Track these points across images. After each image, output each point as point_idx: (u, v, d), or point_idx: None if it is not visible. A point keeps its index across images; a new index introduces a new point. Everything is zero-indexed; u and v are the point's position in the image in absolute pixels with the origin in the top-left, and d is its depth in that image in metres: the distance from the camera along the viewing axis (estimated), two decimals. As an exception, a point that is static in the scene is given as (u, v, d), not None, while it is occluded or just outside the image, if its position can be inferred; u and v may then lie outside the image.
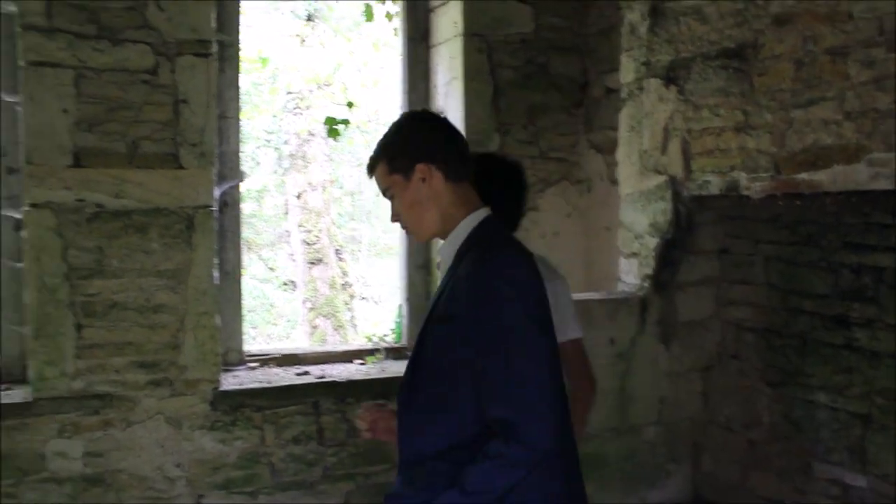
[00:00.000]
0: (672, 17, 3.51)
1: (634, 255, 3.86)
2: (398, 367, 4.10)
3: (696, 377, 4.12)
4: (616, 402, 3.88)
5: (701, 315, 4.07)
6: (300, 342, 8.99)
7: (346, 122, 4.64)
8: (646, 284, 3.86)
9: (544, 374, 1.94)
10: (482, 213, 2.14)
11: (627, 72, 3.80)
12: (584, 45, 4.32)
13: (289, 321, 10.16)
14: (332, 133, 4.55)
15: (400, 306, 4.35)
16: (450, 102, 4.09)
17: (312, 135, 8.60)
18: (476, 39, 4.01)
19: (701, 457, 4.13)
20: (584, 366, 2.82)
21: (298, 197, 8.67)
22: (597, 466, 3.80)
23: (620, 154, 3.87)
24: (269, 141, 9.45)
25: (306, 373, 3.90)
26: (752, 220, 3.85)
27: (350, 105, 4.77)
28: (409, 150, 2.11)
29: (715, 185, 3.42)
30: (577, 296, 3.48)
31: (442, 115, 2.29)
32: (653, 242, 3.74)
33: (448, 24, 4.09)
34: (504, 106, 4.08)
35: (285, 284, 10.18)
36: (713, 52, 3.38)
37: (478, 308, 1.96)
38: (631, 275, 3.89)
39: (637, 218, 3.79)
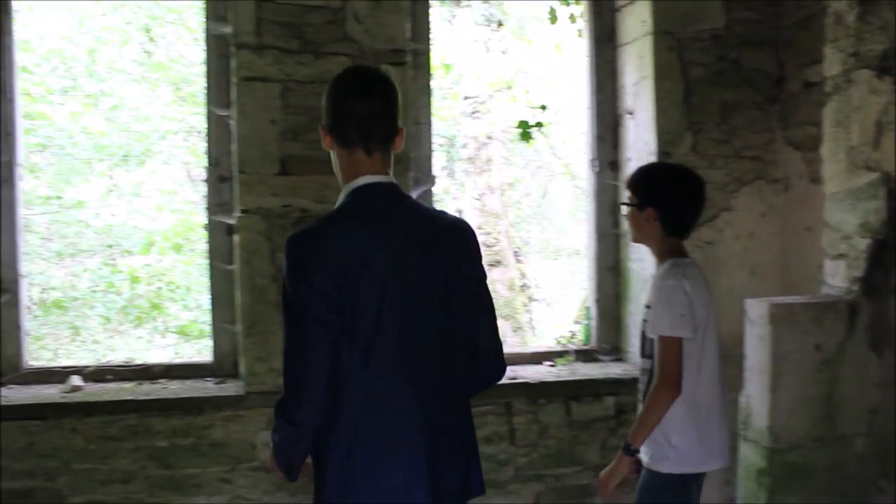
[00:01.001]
0: (885, 2, 3.29)
1: (842, 256, 3.63)
2: (588, 370, 4.08)
3: (910, 388, 3.84)
4: (822, 410, 3.66)
5: (916, 322, 3.78)
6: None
7: (539, 124, 4.65)
8: (855, 288, 3.62)
9: (308, 354, 2.03)
10: (363, 181, 2.15)
11: (833, 64, 3.58)
12: (780, 39, 4.12)
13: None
14: (525, 137, 4.56)
15: (588, 308, 4.31)
16: (639, 102, 4.02)
17: (490, 138, 8.72)
18: (666, 37, 3.92)
19: (915, 474, 3.84)
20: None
21: (478, 200, 8.81)
22: (801, 477, 3.61)
23: (825, 151, 3.65)
24: (444, 146, 9.65)
25: (497, 374, 3.94)
26: (976, 219, 3.54)
27: (543, 108, 4.76)
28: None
29: (934, 181, 3.18)
30: (778, 299, 3.34)
31: (347, 78, 2.22)
32: (863, 243, 3.50)
33: (636, 23, 4.03)
34: (695, 104, 3.96)
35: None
36: (933, 38, 3.14)
37: None
38: (838, 277, 3.66)
39: (845, 218, 3.57)
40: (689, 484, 2.86)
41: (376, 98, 2.17)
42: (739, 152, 4.02)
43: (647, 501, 2.87)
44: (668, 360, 2.73)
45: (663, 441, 2.80)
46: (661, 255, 2.91)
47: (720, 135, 3.99)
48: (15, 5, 3.71)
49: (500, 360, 2.32)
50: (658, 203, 2.83)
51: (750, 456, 3.30)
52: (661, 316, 2.77)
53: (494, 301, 2.34)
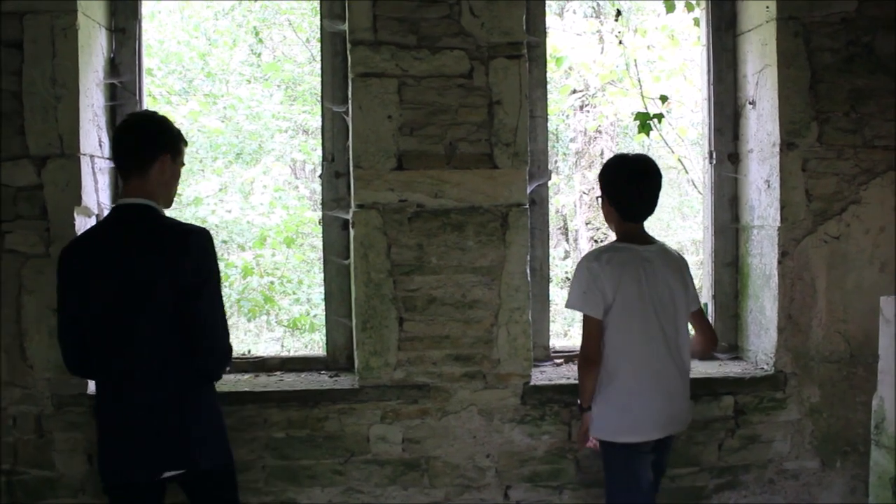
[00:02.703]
0: None
1: (984, 252, 3.42)
2: (705, 368, 3.95)
3: None
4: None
5: None
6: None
7: (659, 116, 4.53)
8: None
9: (62, 314, 2.84)
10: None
11: (976, 46, 3.37)
12: (918, 21, 3.89)
13: (564, 318, 10.24)
14: (644, 129, 4.45)
15: (705, 305, 4.18)
16: (762, 92, 3.87)
17: (599, 132, 8.60)
18: (791, 23, 3.75)
19: None
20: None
21: (587, 194, 8.70)
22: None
23: (966, 139, 3.45)
24: (550, 140, 9.59)
25: (610, 371, 3.89)
26: None
27: (664, 99, 4.64)
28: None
29: None
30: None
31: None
32: None
33: (759, 9, 3.87)
34: (822, 93, 3.77)
35: (569, 281, 10.26)
36: None
37: None
38: (979, 275, 3.46)
39: None
40: (623, 452, 3.13)
41: None
42: (870, 142, 3.81)
43: (602, 460, 3.26)
44: (584, 334, 3.12)
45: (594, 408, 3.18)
46: (616, 238, 3.22)
47: (849, 124, 3.80)
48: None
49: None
50: (608, 193, 3.18)
51: (883, 462, 3.13)
52: (570, 291, 3.15)
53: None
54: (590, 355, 3.10)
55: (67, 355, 2.90)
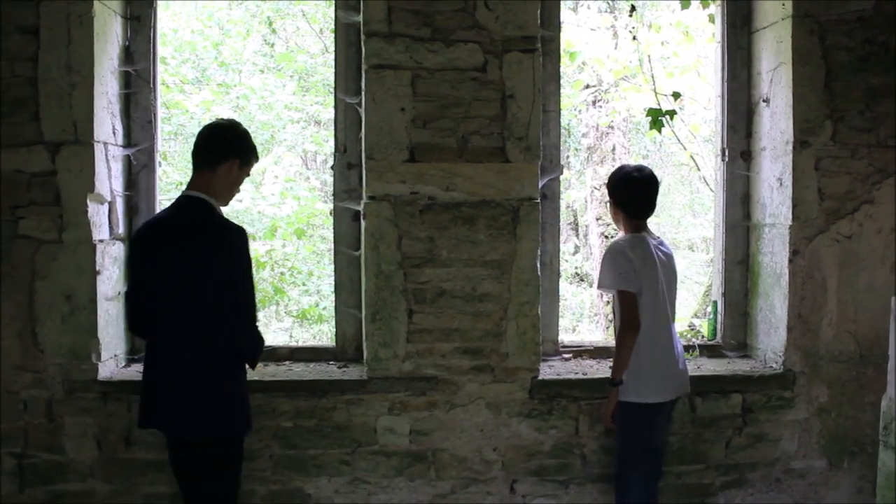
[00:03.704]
0: None
1: None
2: (714, 366, 3.96)
3: None
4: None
5: None
6: (591, 335, 9.01)
7: (672, 113, 4.51)
8: None
9: (129, 281, 3.29)
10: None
11: None
12: (936, 19, 3.87)
13: (573, 314, 10.23)
14: (656, 125, 4.44)
15: (715, 303, 4.18)
16: (776, 90, 3.85)
17: (612, 127, 8.57)
18: (807, 20, 3.73)
19: None
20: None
21: (598, 189, 8.67)
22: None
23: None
24: (562, 135, 9.56)
25: (619, 367, 3.90)
26: None
27: (676, 96, 4.61)
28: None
29: None
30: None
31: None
32: None
33: (774, 7, 3.85)
34: (838, 91, 3.76)
35: (577, 277, 10.24)
36: None
37: None
38: None
39: None
40: (638, 412, 3.42)
41: None
42: (884, 141, 3.80)
43: (617, 424, 3.48)
44: (623, 308, 3.39)
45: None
46: (626, 231, 3.57)
47: (864, 123, 3.79)
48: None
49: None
50: (616, 199, 3.55)
51: (890, 463, 3.12)
52: (604, 274, 3.45)
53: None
54: (632, 322, 3.37)
55: (127, 316, 3.32)
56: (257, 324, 3.21)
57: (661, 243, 3.60)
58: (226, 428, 3.12)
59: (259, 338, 3.18)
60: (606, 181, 3.68)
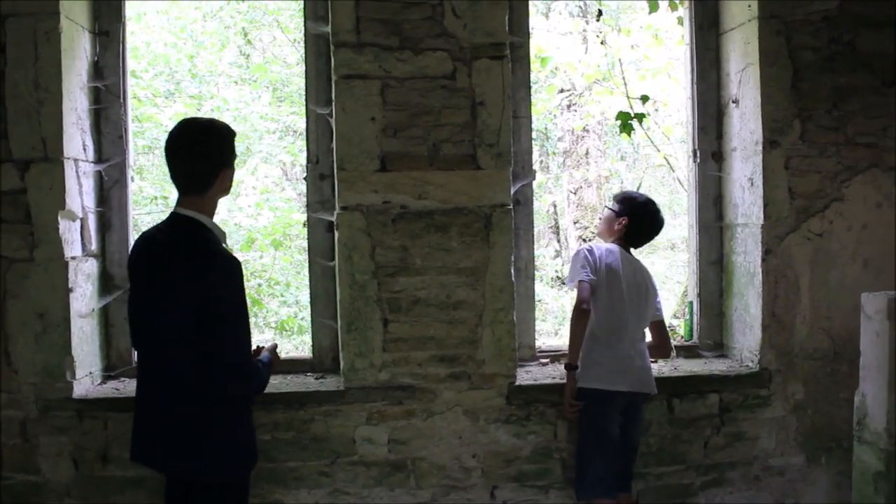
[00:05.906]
0: None
1: (966, 249, 3.44)
2: (691, 366, 3.98)
3: None
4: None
5: None
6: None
7: (641, 116, 4.54)
8: (980, 281, 3.44)
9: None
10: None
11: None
12: (900, 18, 3.91)
13: (555, 317, 10.27)
14: (626, 129, 4.46)
15: (691, 303, 4.20)
16: (745, 91, 3.88)
17: (587, 131, 8.61)
18: (773, 21, 3.77)
19: None
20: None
21: (574, 193, 8.70)
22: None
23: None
24: (538, 139, 9.58)
25: (596, 370, 3.92)
26: None
27: (644, 99, 4.64)
28: None
29: None
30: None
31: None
32: None
33: (741, 8, 3.89)
34: (805, 90, 3.79)
35: (559, 280, 10.27)
36: None
37: None
38: (960, 271, 3.48)
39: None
40: (590, 397, 3.55)
41: None
42: (852, 139, 3.84)
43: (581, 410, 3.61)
44: (577, 295, 3.57)
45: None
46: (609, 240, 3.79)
47: (831, 121, 3.82)
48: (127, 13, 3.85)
49: None
50: (632, 219, 3.70)
51: (865, 458, 3.15)
52: (570, 272, 3.67)
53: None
54: (580, 305, 3.54)
55: (130, 329, 3.06)
56: (248, 358, 2.88)
57: (637, 261, 3.78)
58: (196, 470, 2.86)
59: (245, 376, 2.83)
60: (626, 196, 3.84)
